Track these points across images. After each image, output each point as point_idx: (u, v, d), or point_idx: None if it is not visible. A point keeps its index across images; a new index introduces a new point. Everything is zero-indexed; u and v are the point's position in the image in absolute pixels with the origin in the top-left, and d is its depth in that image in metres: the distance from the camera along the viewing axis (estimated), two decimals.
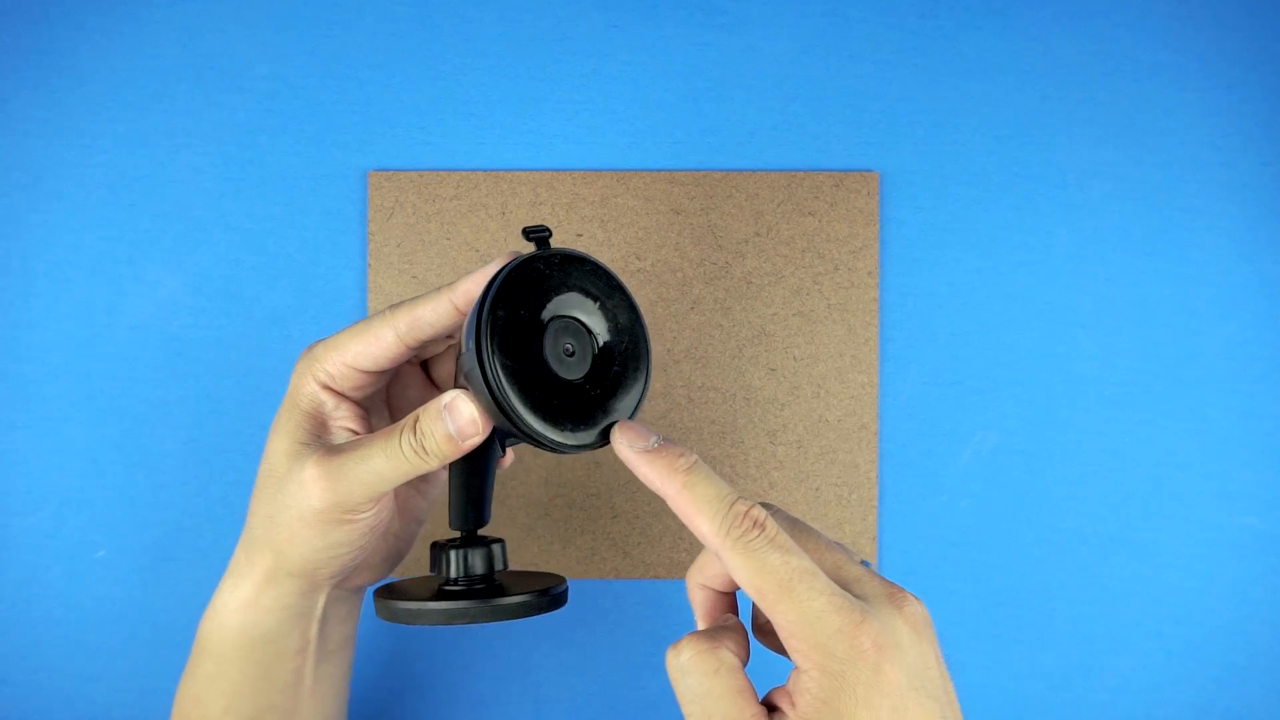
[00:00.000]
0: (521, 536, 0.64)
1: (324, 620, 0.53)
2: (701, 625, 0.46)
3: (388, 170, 0.65)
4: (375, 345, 0.49)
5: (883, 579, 0.41)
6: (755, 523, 0.39)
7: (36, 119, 0.64)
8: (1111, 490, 0.65)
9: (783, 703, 0.39)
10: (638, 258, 0.64)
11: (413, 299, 0.50)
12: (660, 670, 0.65)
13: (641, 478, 0.42)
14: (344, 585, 0.53)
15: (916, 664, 0.38)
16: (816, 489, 0.64)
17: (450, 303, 0.49)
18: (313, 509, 0.47)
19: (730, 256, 0.64)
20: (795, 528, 0.43)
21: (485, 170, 0.65)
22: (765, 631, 0.44)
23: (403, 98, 0.65)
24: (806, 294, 0.64)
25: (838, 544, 0.43)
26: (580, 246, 0.64)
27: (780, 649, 0.42)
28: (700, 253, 0.64)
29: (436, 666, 0.65)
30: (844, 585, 0.40)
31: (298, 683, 0.53)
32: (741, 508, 0.40)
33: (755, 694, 0.40)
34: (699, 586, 0.46)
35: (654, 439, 0.43)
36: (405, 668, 0.65)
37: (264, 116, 0.65)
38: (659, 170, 0.64)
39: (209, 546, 0.65)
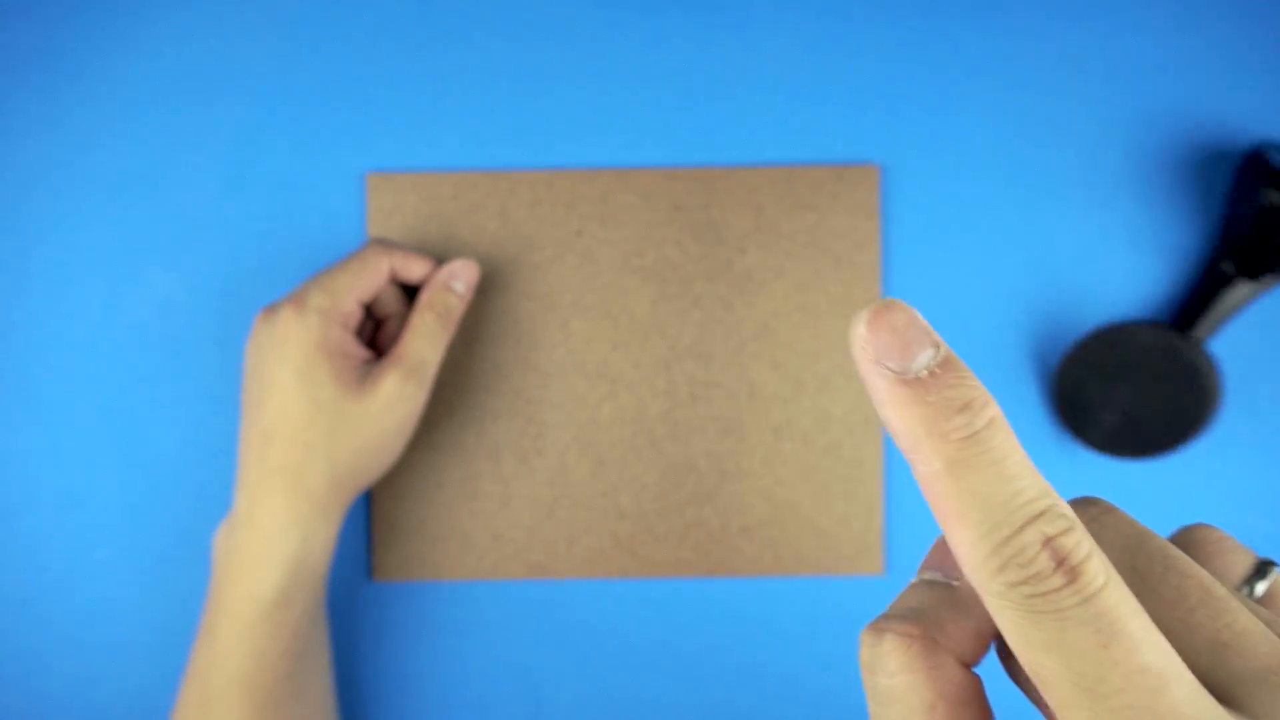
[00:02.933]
0: (526, 537, 0.64)
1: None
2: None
3: (386, 171, 0.65)
4: (376, 279, 0.58)
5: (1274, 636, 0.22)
6: (1064, 564, 0.20)
7: (36, 119, 0.64)
8: (1112, 490, 0.65)
9: None
10: (638, 255, 0.64)
11: (398, 247, 0.60)
12: (663, 670, 0.65)
13: (886, 421, 0.22)
14: None
15: None
16: (822, 485, 0.64)
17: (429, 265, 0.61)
18: (410, 415, 0.58)
19: (731, 252, 0.64)
20: (1147, 562, 0.24)
21: (484, 170, 0.65)
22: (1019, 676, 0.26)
23: (401, 98, 0.65)
24: (809, 289, 0.64)
25: (1247, 558, 0.26)
26: (580, 245, 0.64)
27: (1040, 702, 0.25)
28: (701, 249, 0.64)
29: (436, 666, 0.65)
30: (1221, 658, 0.22)
31: (307, 648, 0.58)
32: (1038, 535, 0.21)
33: None
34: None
35: (924, 355, 0.22)
36: (404, 667, 0.65)
37: (262, 116, 0.65)
38: (658, 167, 0.64)
39: (209, 546, 0.65)
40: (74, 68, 0.65)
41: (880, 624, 0.23)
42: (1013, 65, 0.65)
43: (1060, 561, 0.20)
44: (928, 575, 0.25)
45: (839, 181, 0.64)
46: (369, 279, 0.58)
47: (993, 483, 0.21)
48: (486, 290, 0.64)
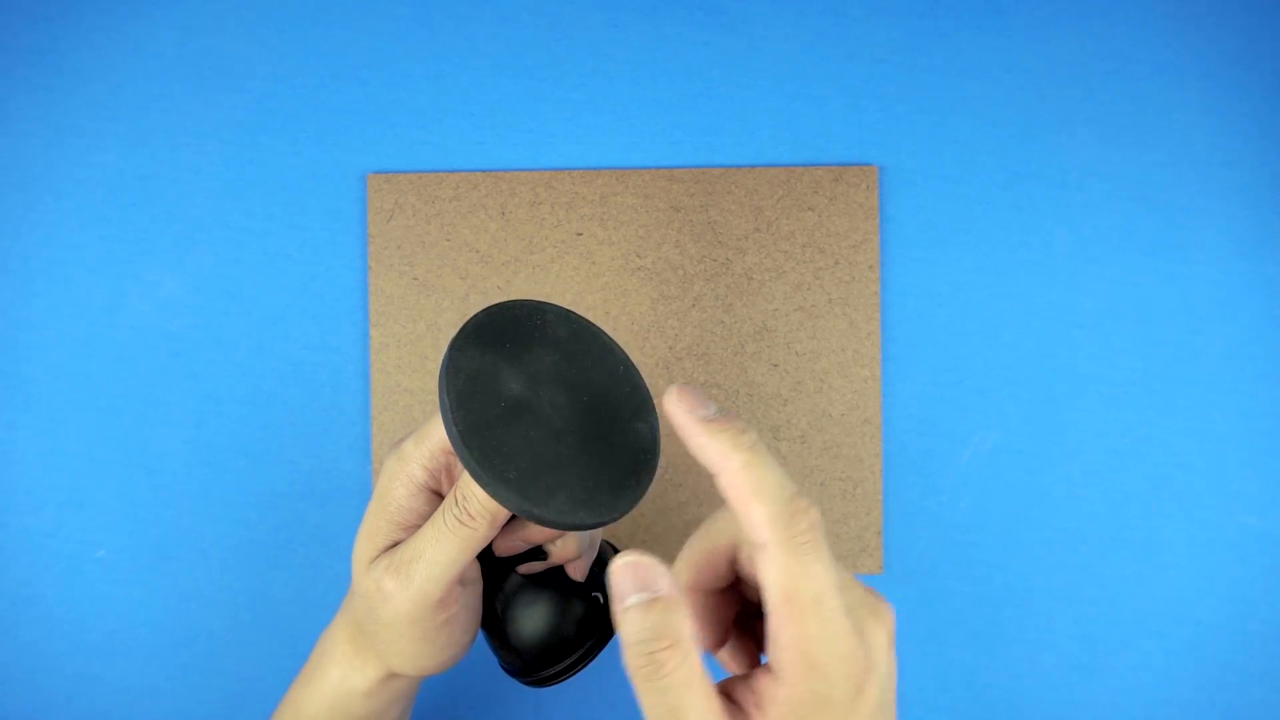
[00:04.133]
0: None
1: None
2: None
3: (386, 172, 0.65)
4: None
5: (862, 586, 0.38)
6: (812, 524, 0.35)
7: (36, 119, 0.65)
8: (1111, 490, 0.65)
9: (745, 701, 0.37)
10: (638, 255, 0.64)
11: None
12: None
13: (695, 449, 0.37)
14: None
15: (887, 681, 0.37)
16: (821, 484, 0.64)
17: None
18: (405, 620, 0.46)
19: (731, 253, 0.64)
20: None
21: (484, 171, 0.65)
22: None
23: (401, 99, 0.65)
24: (807, 289, 0.65)
25: None
26: (580, 245, 0.64)
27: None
28: (700, 249, 0.64)
29: None
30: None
31: None
32: (802, 503, 0.35)
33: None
34: (694, 567, 0.42)
35: (713, 407, 0.37)
36: None
37: (263, 117, 0.65)
38: (658, 168, 0.65)
39: (209, 546, 0.65)
40: (74, 68, 0.65)
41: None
42: (1011, 67, 0.65)
43: (812, 524, 0.35)
44: (639, 598, 0.36)
45: (838, 182, 0.64)
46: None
47: (773, 474, 0.36)
48: (486, 290, 0.64)
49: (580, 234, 0.64)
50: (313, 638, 0.64)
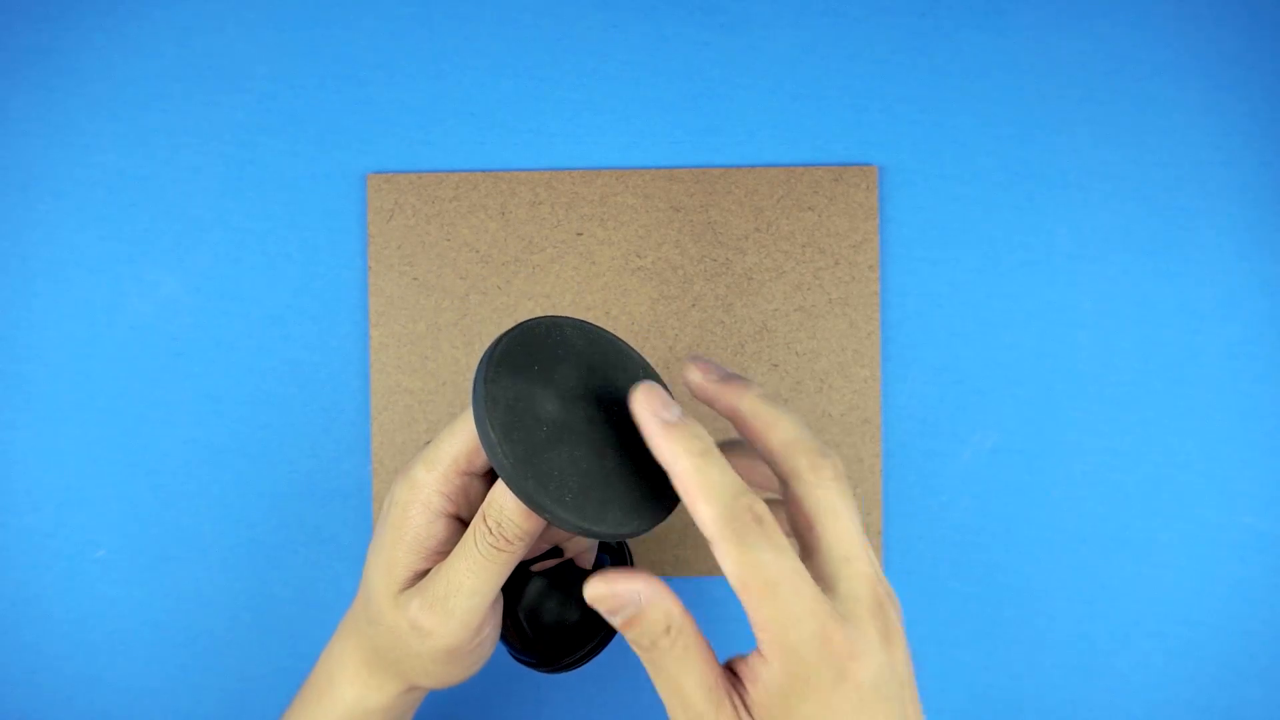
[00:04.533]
0: None
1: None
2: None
3: (386, 172, 0.65)
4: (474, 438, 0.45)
5: (869, 572, 0.40)
6: (756, 518, 0.37)
7: (36, 119, 0.65)
8: (1111, 490, 0.65)
9: (745, 676, 0.39)
10: (638, 255, 0.64)
11: None
12: None
13: (653, 448, 0.39)
14: None
15: (883, 669, 0.38)
16: None
17: None
18: (444, 651, 0.46)
19: (730, 253, 0.64)
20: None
21: (484, 171, 0.65)
22: None
23: (401, 99, 0.65)
24: (807, 289, 0.65)
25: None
26: (580, 245, 0.64)
27: None
28: (700, 249, 0.64)
29: None
30: (830, 582, 0.39)
31: None
32: (747, 501, 0.38)
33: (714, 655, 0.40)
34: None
35: (676, 411, 0.40)
36: None
37: (263, 117, 0.65)
38: (658, 168, 0.65)
39: (209, 546, 0.65)
40: (74, 68, 0.65)
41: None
42: (1011, 67, 0.65)
43: (757, 518, 0.37)
44: (623, 617, 0.40)
45: (838, 182, 0.64)
46: (474, 443, 0.45)
47: (721, 476, 0.38)
48: (486, 290, 0.64)
49: (580, 234, 0.64)
50: (313, 637, 0.64)
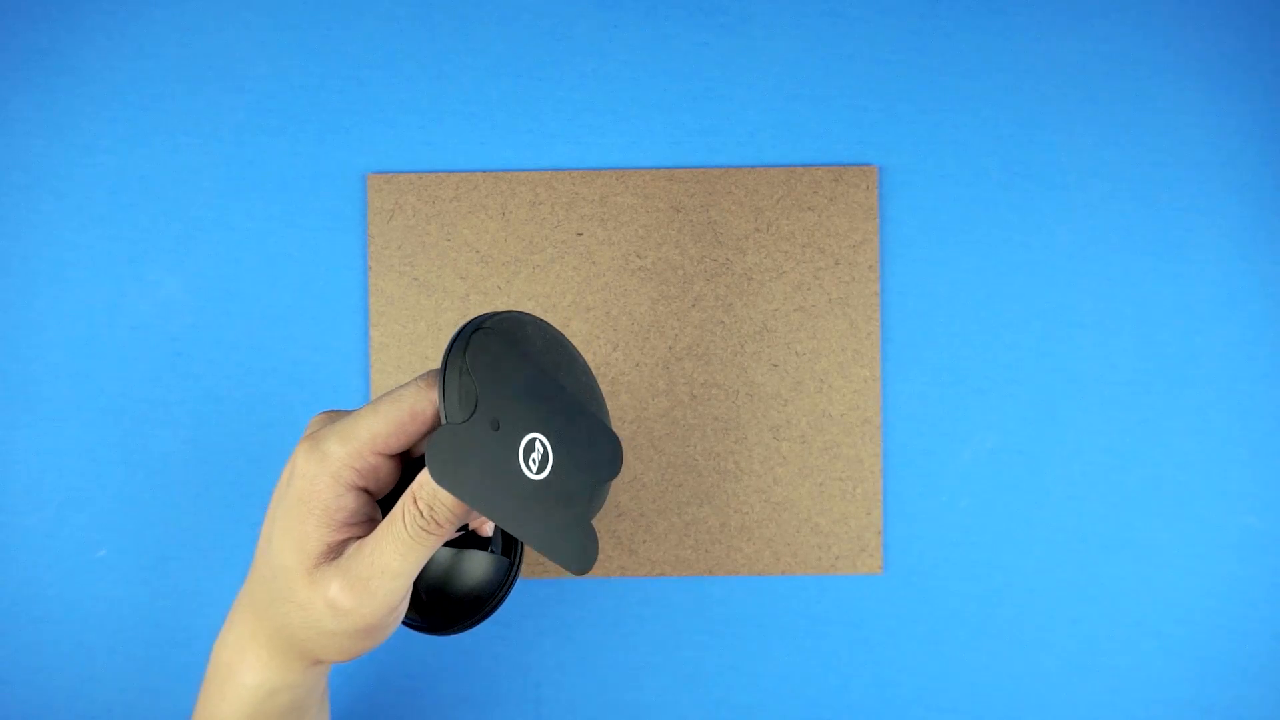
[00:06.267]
0: None
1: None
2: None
3: (386, 172, 0.65)
4: (406, 427, 0.45)
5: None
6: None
7: (36, 119, 0.65)
8: (1111, 490, 0.65)
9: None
10: (638, 255, 0.64)
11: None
12: (663, 670, 0.65)
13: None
14: None
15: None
16: (821, 484, 0.64)
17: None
18: (360, 630, 0.45)
19: (731, 253, 0.65)
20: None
21: (484, 171, 0.65)
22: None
23: (401, 99, 0.65)
24: (807, 289, 0.65)
25: None
26: (580, 245, 0.64)
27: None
28: (700, 249, 0.64)
29: (435, 666, 0.65)
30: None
31: None
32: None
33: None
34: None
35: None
36: (404, 667, 0.65)
37: (263, 117, 0.65)
38: (658, 168, 0.65)
39: (209, 546, 0.65)
40: (74, 68, 0.65)
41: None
42: (1011, 67, 0.65)
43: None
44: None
45: (837, 182, 0.64)
46: (395, 426, 0.45)
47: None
48: (487, 290, 0.64)
49: (580, 234, 0.64)
50: None
